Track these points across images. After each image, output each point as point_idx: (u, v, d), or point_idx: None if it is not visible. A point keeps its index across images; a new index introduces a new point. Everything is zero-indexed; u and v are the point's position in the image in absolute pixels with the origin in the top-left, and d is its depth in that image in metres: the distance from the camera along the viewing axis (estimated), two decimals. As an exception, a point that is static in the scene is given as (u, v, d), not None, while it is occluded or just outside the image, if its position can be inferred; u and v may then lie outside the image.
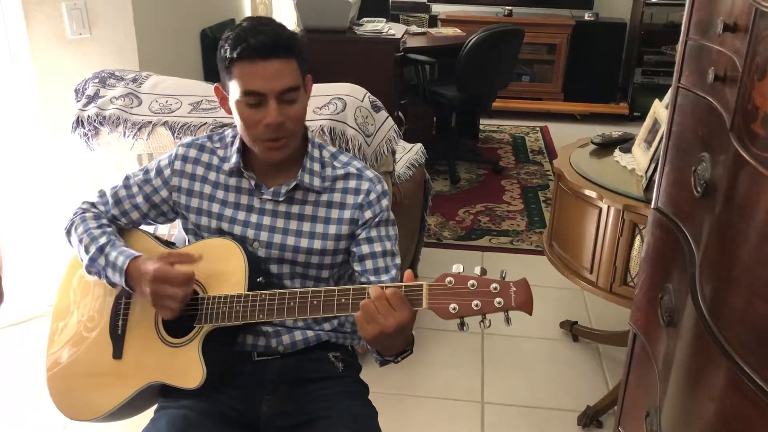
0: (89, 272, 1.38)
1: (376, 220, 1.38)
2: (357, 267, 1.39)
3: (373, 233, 1.38)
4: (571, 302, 2.87)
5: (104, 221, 1.43)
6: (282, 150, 1.33)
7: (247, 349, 1.39)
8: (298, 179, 1.36)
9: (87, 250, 1.37)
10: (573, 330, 2.62)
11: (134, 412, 1.43)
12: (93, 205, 1.46)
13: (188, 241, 1.47)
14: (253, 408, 1.35)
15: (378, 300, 1.14)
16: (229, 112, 1.34)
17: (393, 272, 1.38)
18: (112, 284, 1.36)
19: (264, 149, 1.32)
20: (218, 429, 1.29)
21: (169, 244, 1.48)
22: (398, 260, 1.41)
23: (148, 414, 1.37)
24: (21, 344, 2.49)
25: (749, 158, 0.94)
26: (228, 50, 1.26)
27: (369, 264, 1.37)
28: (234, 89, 1.28)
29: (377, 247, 1.38)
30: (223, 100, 1.36)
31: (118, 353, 1.37)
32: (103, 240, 1.37)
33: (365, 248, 1.38)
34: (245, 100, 1.27)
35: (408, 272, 1.18)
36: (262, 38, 1.24)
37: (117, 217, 1.45)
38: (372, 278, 1.37)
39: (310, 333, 1.41)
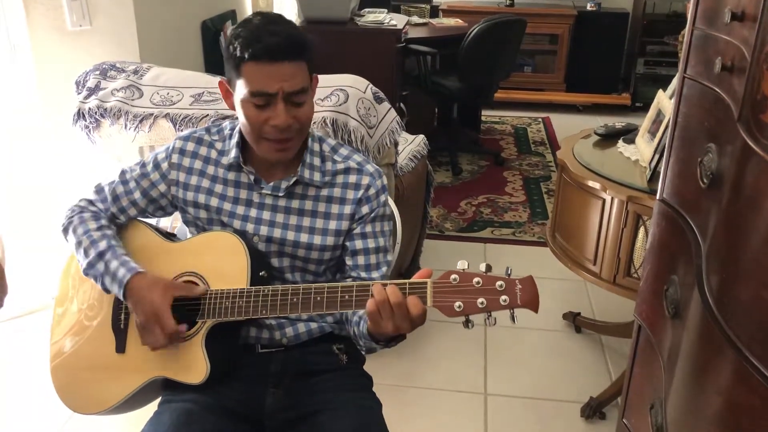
0: (86, 275, 1.36)
1: (372, 215, 1.38)
2: (348, 261, 1.38)
3: (368, 228, 1.37)
4: (573, 293, 2.86)
5: (103, 222, 1.40)
6: (287, 151, 1.32)
7: (250, 341, 1.38)
8: (299, 174, 1.35)
9: (86, 254, 1.35)
10: (576, 321, 2.62)
11: (138, 405, 1.42)
12: (91, 202, 1.44)
13: (189, 233, 1.46)
14: (257, 401, 1.34)
15: (398, 308, 1.14)
16: (233, 107, 1.32)
17: (384, 269, 1.38)
18: (108, 291, 1.34)
19: (268, 149, 1.31)
20: (222, 422, 1.29)
21: (170, 236, 1.47)
22: (390, 257, 1.40)
23: (152, 406, 1.37)
24: (24, 337, 2.49)
25: (758, 149, 0.94)
26: (239, 49, 1.22)
27: (361, 259, 1.37)
28: (241, 88, 1.26)
29: (371, 243, 1.37)
30: (227, 96, 1.33)
31: (120, 347, 1.37)
32: (102, 245, 1.34)
33: (358, 243, 1.37)
34: (253, 101, 1.25)
35: (426, 270, 1.17)
36: (276, 39, 1.21)
37: (116, 215, 1.43)
38: (363, 274, 1.37)
39: (313, 325, 1.40)
